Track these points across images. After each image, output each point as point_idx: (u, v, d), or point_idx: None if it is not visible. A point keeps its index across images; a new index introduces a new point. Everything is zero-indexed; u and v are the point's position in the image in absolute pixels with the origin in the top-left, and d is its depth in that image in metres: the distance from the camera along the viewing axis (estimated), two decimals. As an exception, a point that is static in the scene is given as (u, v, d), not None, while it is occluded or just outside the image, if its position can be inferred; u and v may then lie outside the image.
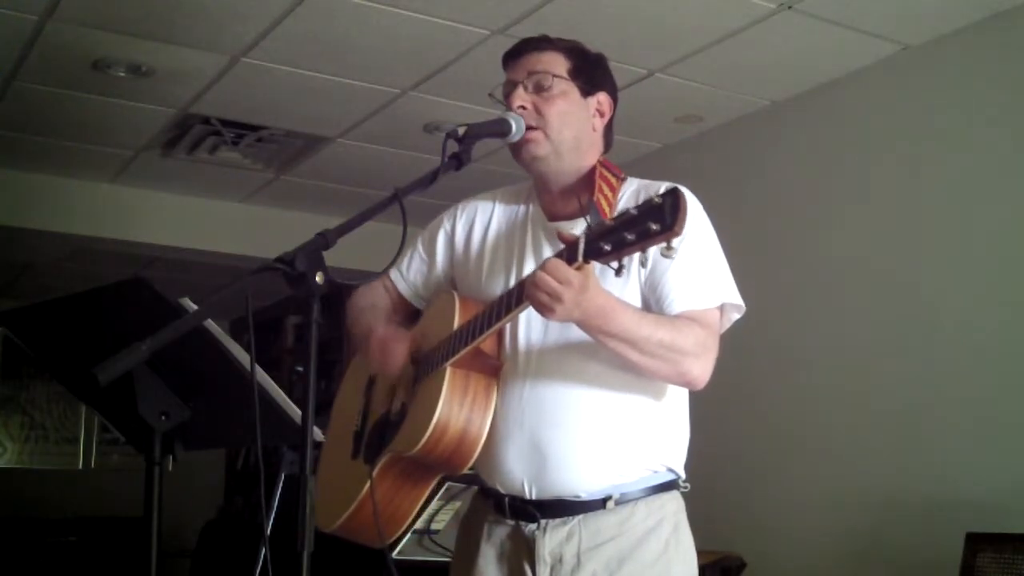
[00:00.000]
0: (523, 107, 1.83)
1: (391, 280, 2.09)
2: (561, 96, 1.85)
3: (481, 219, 2.01)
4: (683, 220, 1.43)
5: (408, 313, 2.09)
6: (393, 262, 1.65)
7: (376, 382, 2.06)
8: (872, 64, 3.96)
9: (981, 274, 3.54)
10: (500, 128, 1.82)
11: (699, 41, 3.80)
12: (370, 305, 2.07)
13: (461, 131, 1.78)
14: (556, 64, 1.86)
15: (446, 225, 2.05)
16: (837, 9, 3.53)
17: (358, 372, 2.15)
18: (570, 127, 1.84)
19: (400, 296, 2.08)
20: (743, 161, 4.53)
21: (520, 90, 1.85)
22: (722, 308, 1.80)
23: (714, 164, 4.61)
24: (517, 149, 1.86)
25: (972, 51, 3.65)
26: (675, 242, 1.46)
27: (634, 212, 1.47)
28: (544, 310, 1.59)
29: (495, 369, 1.82)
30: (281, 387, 1.94)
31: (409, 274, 2.08)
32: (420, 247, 2.08)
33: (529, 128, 1.83)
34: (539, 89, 1.85)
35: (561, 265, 1.55)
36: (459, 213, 2.05)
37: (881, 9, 3.55)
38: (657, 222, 1.44)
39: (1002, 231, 3.50)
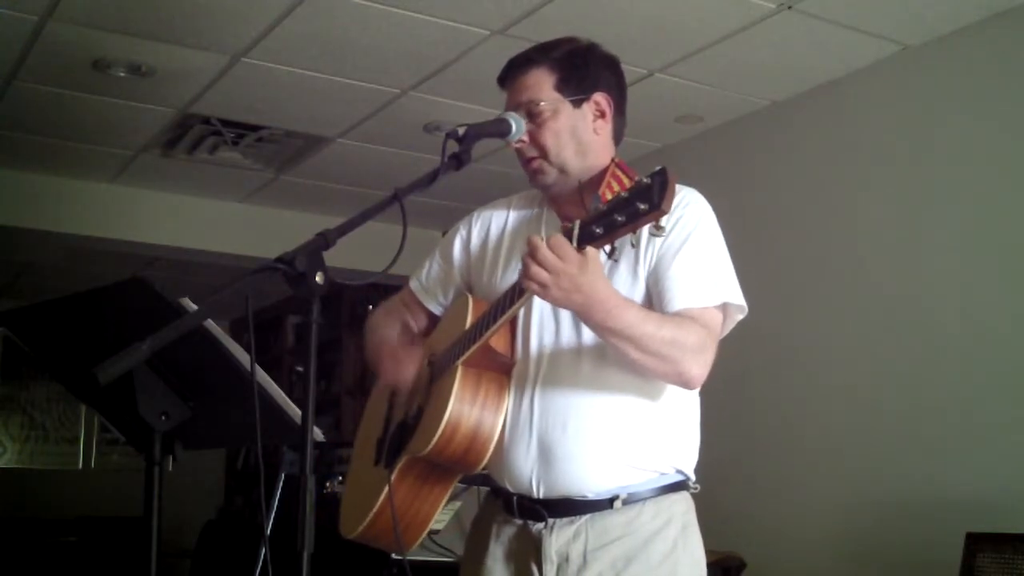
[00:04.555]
0: (522, 141, 1.86)
1: (411, 290, 2.12)
2: (552, 118, 1.85)
3: (496, 224, 2.03)
4: (670, 199, 1.45)
5: (429, 322, 2.11)
6: (391, 264, 1.65)
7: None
8: (872, 64, 3.96)
9: (981, 274, 3.54)
10: (500, 128, 1.83)
11: (699, 41, 3.80)
12: (384, 324, 2.10)
13: (461, 131, 1.79)
14: (541, 85, 1.87)
15: (462, 231, 2.07)
16: (837, 9, 3.53)
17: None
18: (567, 146, 1.86)
19: (421, 305, 2.10)
20: (743, 161, 4.53)
21: None
22: (725, 309, 1.80)
23: (714, 164, 4.60)
24: (528, 176, 1.90)
25: (972, 51, 3.65)
26: (663, 221, 1.48)
27: (624, 195, 1.49)
28: (540, 288, 1.58)
29: (507, 367, 1.83)
30: (281, 387, 1.94)
31: (429, 282, 2.10)
32: (438, 255, 2.10)
33: (532, 159, 1.86)
34: (531, 116, 1.86)
35: (564, 243, 1.55)
36: (475, 219, 2.07)
37: (881, 9, 3.55)
38: (645, 202, 1.46)
39: (1002, 231, 3.50)
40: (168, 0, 3.49)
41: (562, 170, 1.86)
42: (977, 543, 3.14)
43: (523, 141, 1.86)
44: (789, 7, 3.51)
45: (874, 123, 3.98)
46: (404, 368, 1.94)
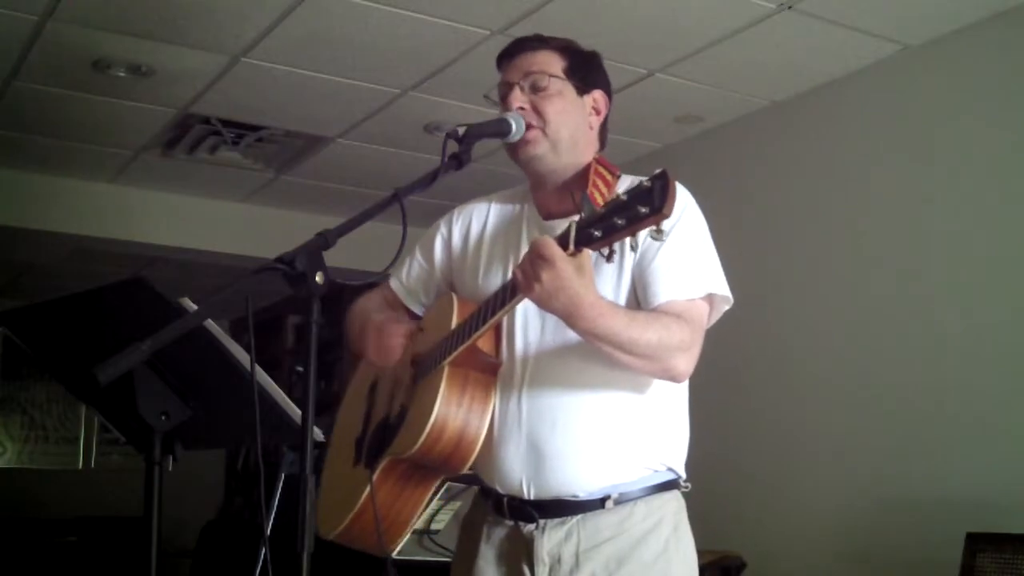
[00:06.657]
0: (522, 107, 1.84)
1: (391, 288, 2.10)
2: (558, 95, 1.85)
3: (477, 221, 2.01)
4: (672, 202, 1.44)
5: (410, 320, 2.09)
6: (392, 264, 1.65)
7: (378, 386, 2.06)
8: (872, 64, 3.96)
9: (981, 273, 3.54)
10: (500, 128, 1.83)
11: (699, 41, 3.80)
12: (367, 309, 2.07)
13: (461, 131, 1.79)
14: (551, 63, 1.87)
15: (443, 230, 2.05)
16: (837, 9, 3.53)
17: (362, 378, 2.15)
18: (567, 126, 1.85)
19: (401, 303, 2.08)
20: (743, 161, 4.53)
21: (517, 91, 1.86)
22: (711, 300, 1.79)
23: (714, 164, 4.60)
24: (515, 148, 1.86)
25: (972, 51, 3.65)
26: (664, 224, 1.47)
27: (624, 198, 1.48)
28: (523, 287, 1.59)
29: (494, 368, 1.82)
30: (281, 387, 1.94)
31: (409, 281, 2.08)
32: (419, 253, 2.08)
33: (528, 127, 1.83)
34: (536, 89, 1.85)
35: (550, 243, 1.55)
36: (455, 217, 2.05)
37: (881, 9, 3.55)
38: (646, 205, 1.45)
39: (1002, 231, 3.50)
40: (168, 0, 3.49)
41: (554, 149, 1.84)
42: (977, 543, 3.14)
43: (523, 108, 1.84)
44: (789, 7, 3.51)
45: (874, 123, 3.98)
46: (391, 342, 1.90)
